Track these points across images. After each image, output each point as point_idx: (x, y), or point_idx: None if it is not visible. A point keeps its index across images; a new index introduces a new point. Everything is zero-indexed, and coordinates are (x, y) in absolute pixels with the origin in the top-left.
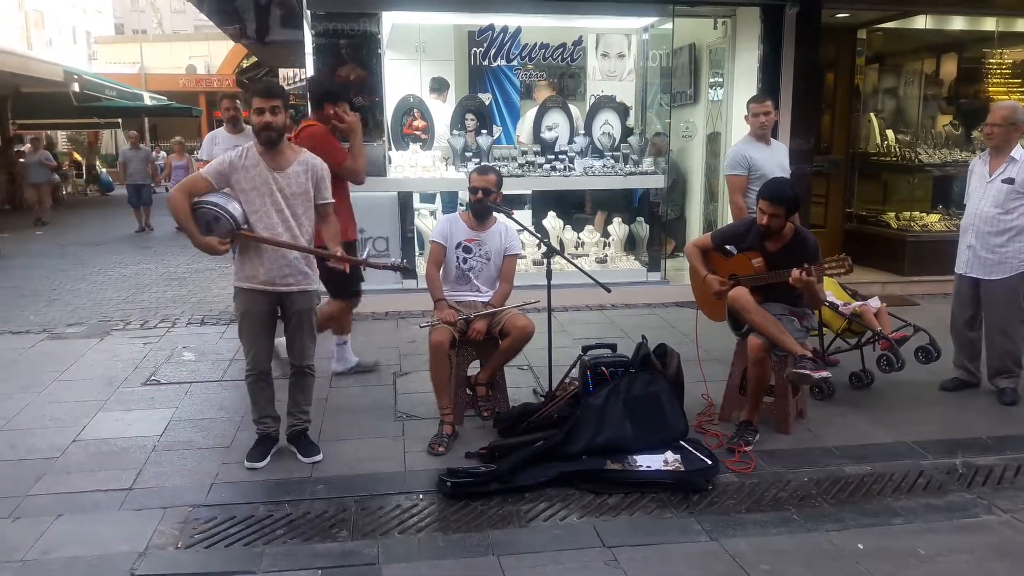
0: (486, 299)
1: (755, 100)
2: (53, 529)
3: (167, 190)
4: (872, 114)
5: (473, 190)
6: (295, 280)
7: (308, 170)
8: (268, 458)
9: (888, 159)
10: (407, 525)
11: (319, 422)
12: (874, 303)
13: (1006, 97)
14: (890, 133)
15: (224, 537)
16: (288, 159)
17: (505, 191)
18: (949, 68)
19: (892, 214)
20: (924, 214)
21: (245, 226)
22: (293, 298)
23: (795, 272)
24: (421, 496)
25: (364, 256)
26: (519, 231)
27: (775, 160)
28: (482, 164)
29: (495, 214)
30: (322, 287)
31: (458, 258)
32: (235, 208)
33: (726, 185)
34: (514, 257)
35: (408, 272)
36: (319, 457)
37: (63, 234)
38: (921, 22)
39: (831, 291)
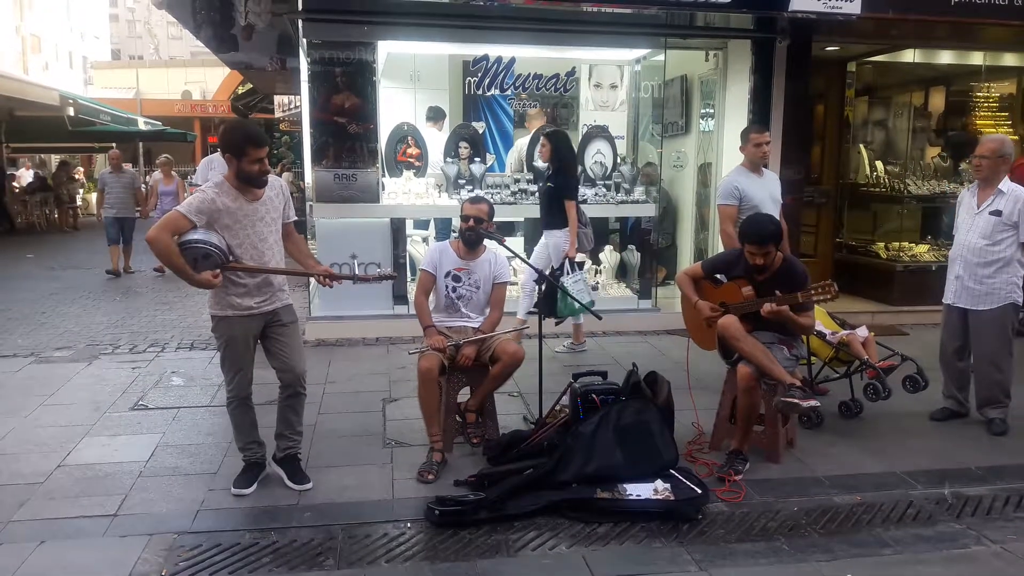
0: (476, 324)
1: (755, 130)
2: (35, 555)
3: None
4: (862, 145)
5: (465, 218)
6: (278, 298)
7: (278, 193)
8: (255, 485)
9: (877, 190)
10: (394, 554)
11: (306, 448)
12: (861, 332)
13: (994, 130)
14: (879, 164)
15: (209, 565)
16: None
17: (497, 219)
18: (937, 101)
19: (881, 244)
20: (913, 244)
21: (231, 258)
22: (279, 313)
23: (765, 306)
24: (409, 525)
25: (353, 271)
26: (510, 259)
27: (767, 191)
28: (475, 194)
29: (486, 242)
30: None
31: (447, 287)
32: (220, 241)
33: (718, 214)
34: (504, 285)
35: (394, 278)
36: (309, 485)
37: (54, 257)
38: (910, 55)
39: (820, 320)
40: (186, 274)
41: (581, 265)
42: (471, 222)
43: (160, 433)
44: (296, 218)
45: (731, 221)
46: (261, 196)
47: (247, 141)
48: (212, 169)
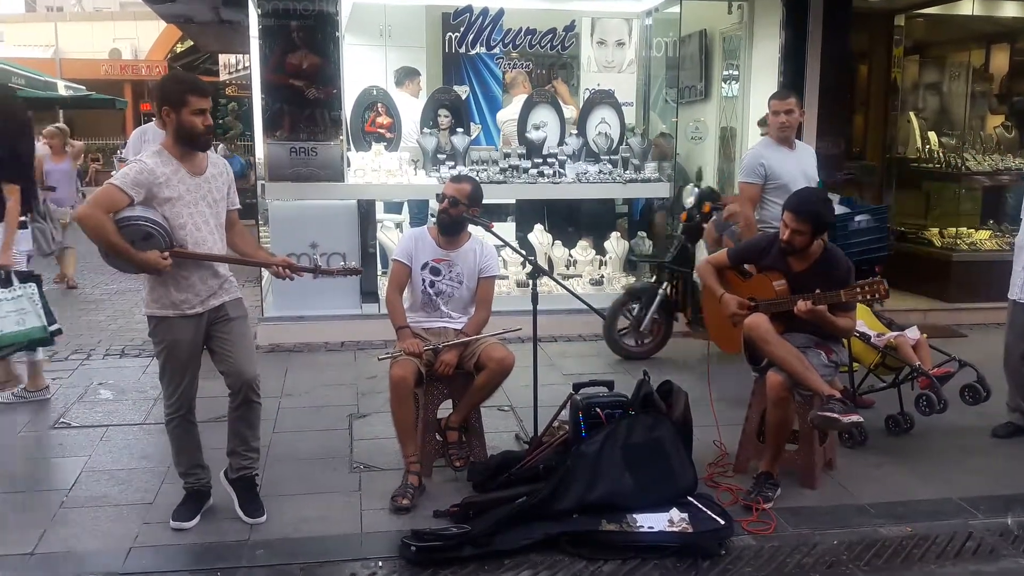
0: (459, 326)
1: (776, 96)
2: None
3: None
4: (912, 113)
5: (440, 197)
6: (225, 291)
7: (221, 172)
8: (198, 517)
9: (930, 166)
10: None
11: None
12: (912, 334)
13: None
14: (932, 136)
15: None
16: (202, 161)
17: (486, 200)
18: (1000, 61)
19: (935, 230)
20: (972, 230)
21: (174, 242)
22: (226, 308)
23: (800, 303)
24: (380, 563)
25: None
26: (500, 247)
27: (799, 167)
28: (459, 171)
29: (470, 228)
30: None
31: (424, 281)
32: (163, 220)
33: (739, 193)
34: (491, 279)
35: (359, 273)
36: (263, 519)
37: None
38: (968, 7)
39: (863, 319)
40: (127, 255)
41: (34, 277)
42: (445, 202)
43: (85, 456)
44: (239, 206)
45: (752, 202)
46: (204, 170)
47: (188, 89)
48: (146, 141)
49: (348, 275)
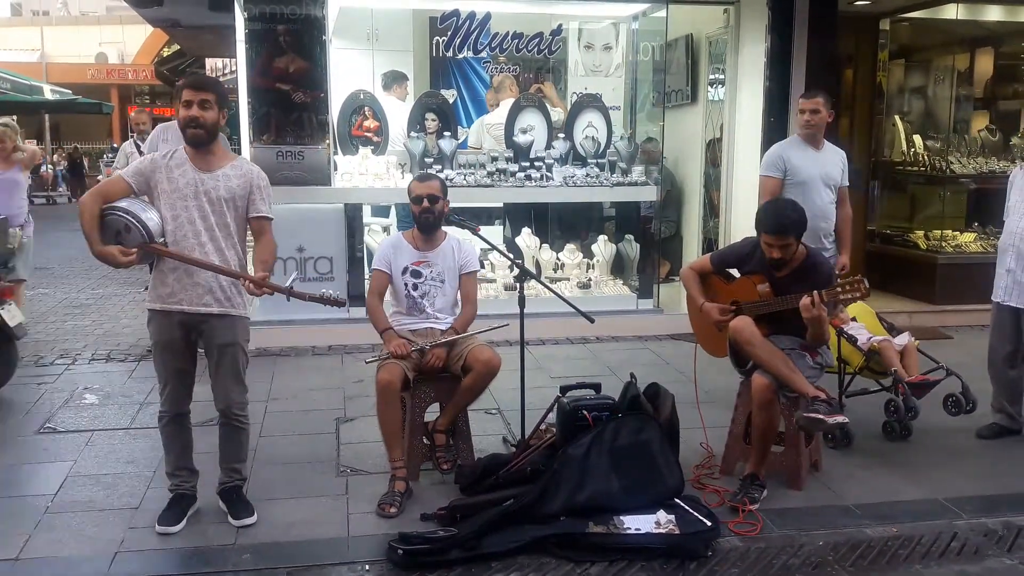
0: (445, 326)
1: (803, 95)
2: None
3: None
4: (897, 117)
5: (417, 199)
6: (213, 300)
7: (243, 175)
8: (184, 521)
9: (915, 169)
10: None
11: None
12: (901, 339)
13: None
14: (917, 139)
15: None
16: (219, 160)
17: (473, 204)
18: (985, 65)
19: (920, 233)
20: (957, 233)
21: (161, 239)
22: (212, 325)
23: (805, 299)
24: (367, 567)
25: (289, 284)
26: (487, 251)
27: (821, 168)
28: (421, 172)
29: (455, 230)
30: None
31: (407, 285)
32: (151, 218)
33: (759, 186)
34: (473, 274)
35: (340, 304)
36: (252, 520)
37: None
38: (952, 11)
39: (864, 322)
40: (89, 242)
41: None
42: (425, 203)
43: (71, 461)
44: (267, 213)
45: (770, 196)
46: (214, 168)
47: (184, 85)
48: (166, 141)
49: (326, 304)
